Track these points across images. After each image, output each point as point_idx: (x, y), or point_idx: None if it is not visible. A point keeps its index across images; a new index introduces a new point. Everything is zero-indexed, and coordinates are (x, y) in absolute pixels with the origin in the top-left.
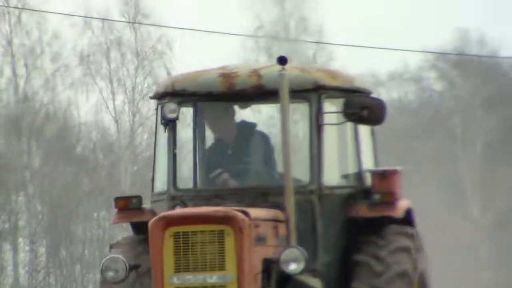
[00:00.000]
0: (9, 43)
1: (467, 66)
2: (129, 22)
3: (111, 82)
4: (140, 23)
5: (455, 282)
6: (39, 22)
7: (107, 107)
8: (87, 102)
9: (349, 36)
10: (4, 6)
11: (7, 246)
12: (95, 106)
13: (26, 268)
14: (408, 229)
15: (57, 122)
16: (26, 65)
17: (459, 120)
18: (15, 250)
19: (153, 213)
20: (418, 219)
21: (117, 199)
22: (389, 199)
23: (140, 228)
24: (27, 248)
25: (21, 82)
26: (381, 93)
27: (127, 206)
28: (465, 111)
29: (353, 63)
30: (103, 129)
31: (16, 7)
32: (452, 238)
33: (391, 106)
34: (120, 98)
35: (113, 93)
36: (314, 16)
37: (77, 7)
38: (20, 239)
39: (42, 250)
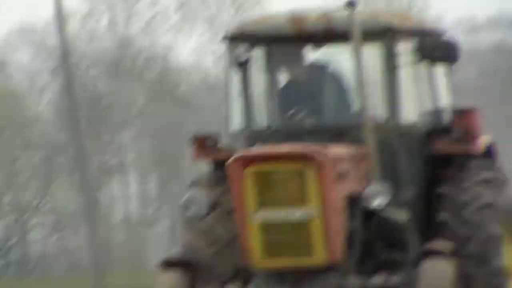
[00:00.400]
0: None
1: None
2: None
3: (210, 25)
4: None
5: None
6: None
7: (207, 51)
8: (186, 46)
9: None
10: None
11: (116, 181)
12: (195, 50)
13: (136, 201)
14: (490, 164)
15: (157, 65)
16: (124, 11)
17: None
18: (124, 184)
19: (230, 151)
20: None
21: (195, 137)
22: (469, 135)
23: (217, 165)
24: (135, 183)
25: (120, 28)
26: (479, 38)
27: (205, 144)
28: None
29: (449, 10)
30: (204, 71)
31: None
32: None
33: (491, 50)
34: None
35: (212, 37)
36: None
37: None
38: (129, 174)
39: (151, 184)
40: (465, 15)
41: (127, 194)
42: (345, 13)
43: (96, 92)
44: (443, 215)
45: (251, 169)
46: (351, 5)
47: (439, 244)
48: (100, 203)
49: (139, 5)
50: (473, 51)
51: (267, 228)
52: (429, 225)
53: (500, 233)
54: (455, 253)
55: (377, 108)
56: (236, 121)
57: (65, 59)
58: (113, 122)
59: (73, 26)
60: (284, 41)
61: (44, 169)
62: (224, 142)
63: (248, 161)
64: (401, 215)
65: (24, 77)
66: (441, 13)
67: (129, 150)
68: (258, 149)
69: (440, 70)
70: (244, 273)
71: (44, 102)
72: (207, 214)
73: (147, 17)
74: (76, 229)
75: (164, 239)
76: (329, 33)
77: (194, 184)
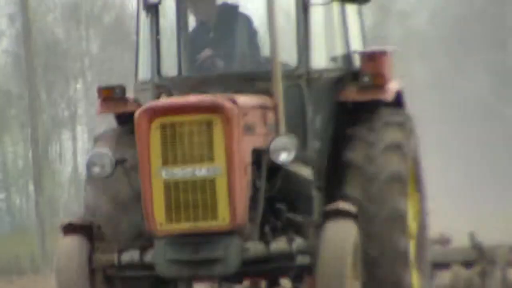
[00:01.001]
0: None
1: None
2: None
3: None
4: None
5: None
6: None
7: None
8: None
9: None
10: None
11: (66, 134)
12: None
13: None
14: (397, 117)
15: (114, 10)
16: None
17: (509, 8)
18: (74, 138)
19: (137, 103)
20: (470, 106)
21: (100, 89)
22: (379, 81)
23: (123, 119)
24: (85, 136)
25: None
26: None
27: (111, 96)
28: None
29: None
30: None
31: None
32: (501, 125)
33: None
34: None
35: None
36: None
37: None
38: (79, 127)
39: None
40: None
41: (76, 150)
42: None
43: (53, 39)
44: (349, 190)
45: (157, 121)
46: None
47: (343, 204)
48: (49, 159)
49: None
50: None
51: (172, 186)
52: (336, 181)
53: (405, 172)
54: (356, 215)
55: (287, 53)
56: (145, 70)
57: (23, 4)
58: (68, 71)
59: None
60: None
61: None
62: (131, 93)
63: (154, 112)
64: (306, 171)
65: None
66: None
67: (81, 102)
68: (165, 100)
69: (352, 11)
70: (144, 239)
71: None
72: (112, 173)
73: None
74: (24, 187)
75: None
76: None
77: (98, 140)
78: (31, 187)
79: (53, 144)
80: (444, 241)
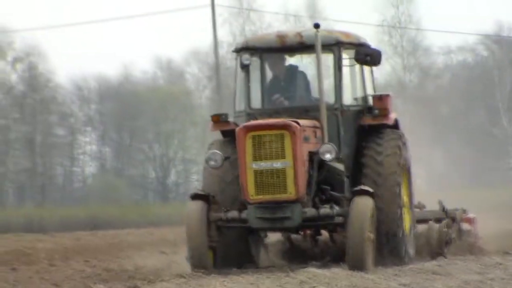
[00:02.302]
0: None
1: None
2: None
3: None
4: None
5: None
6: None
7: None
8: None
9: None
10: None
11: None
12: None
13: None
14: (395, 135)
15: None
16: None
17: (496, 72)
18: None
19: (235, 124)
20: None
21: (212, 116)
22: (384, 113)
23: (226, 133)
24: None
25: None
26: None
27: (219, 119)
28: (500, 67)
29: (436, 39)
30: None
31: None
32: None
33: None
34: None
35: None
36: (415, 13)
37: None
38: None
39: None
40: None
41: None
42: (312, 31)
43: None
44: (365, 160)
45: (250, 134)
46: (316, 26)
47: (364, 187)
48: None
49: None
50: (447, 66)
51: (259, 173)
52: (357, 173)
53: (399, 170)
54: (373, 193)
55: (328, 95)
56: (240, 104)
57: (217, 70)
58: None
59: (222, 50)
60: (272, 51)
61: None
62: (231, 118)
63: (248, 129)
64: (340, 166)
65: (193, 81)
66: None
67: None
68: (255, 122)
69: (367, 70)
70: (240, 204)
71: (203, 96)
72: (221, 165)
73: None
74: None
75: None
76: (301, 46)
77: (212, 145)
78: None
79: None
80: (421, 206)
